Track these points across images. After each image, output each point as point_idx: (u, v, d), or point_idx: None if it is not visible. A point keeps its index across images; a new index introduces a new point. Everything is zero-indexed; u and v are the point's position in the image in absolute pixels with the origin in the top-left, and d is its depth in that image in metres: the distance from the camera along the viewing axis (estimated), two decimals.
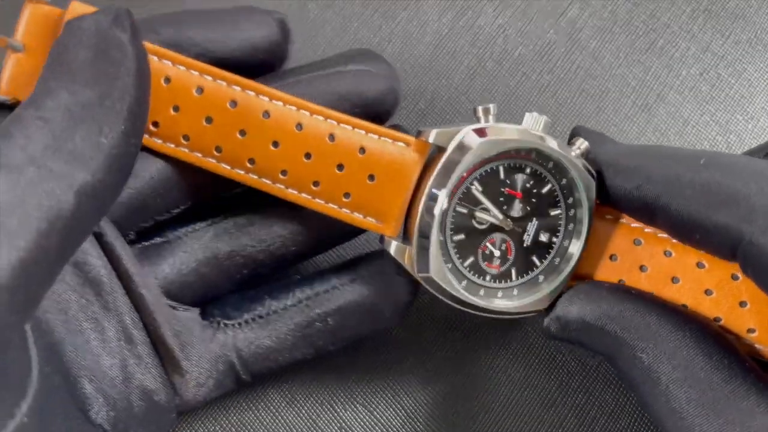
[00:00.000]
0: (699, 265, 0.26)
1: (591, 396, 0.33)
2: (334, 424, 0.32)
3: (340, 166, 0.27)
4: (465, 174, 0.27)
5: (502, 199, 0.27)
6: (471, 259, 0.28)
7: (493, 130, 0.26)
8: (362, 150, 0.27)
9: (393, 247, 0.27)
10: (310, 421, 0.32)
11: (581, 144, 0.27)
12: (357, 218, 0.28)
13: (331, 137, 0.27)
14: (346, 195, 0.27)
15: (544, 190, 0.28)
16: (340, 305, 0.28)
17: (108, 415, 0.25)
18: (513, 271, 0.28)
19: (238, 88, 0.27)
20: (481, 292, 0.28)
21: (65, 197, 0.21)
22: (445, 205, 0.26)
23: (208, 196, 0.29)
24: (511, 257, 0.28)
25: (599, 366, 0.33)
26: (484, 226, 0.28)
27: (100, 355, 0.25)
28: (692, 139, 0.36)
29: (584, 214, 0.27)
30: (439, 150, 0.27)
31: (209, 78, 0.27)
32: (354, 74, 0.29)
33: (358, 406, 0.32)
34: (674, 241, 0.27)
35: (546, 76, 0.37)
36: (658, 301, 0.25)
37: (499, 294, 0.28)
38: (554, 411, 0.32)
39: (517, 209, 0.28)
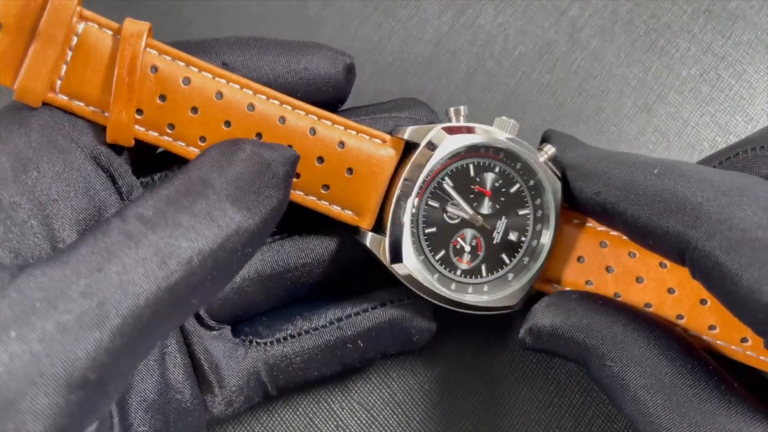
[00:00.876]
0: (662, 265, 0.28)
1: (588, 396, 0.32)
2: (330, 423, 0.32)
3: (320, 159, 0.28)
4: (436, 169, 0.28)
5: (472, 195, 0.29)
6: (442, 253, 0.29)
7: (462, 129, 0.28)
8: (341, 144, 0.28)
9: (368, 239, 0.29)
10: (307, 419, 0.32)
11: (549, 149, 0.29)
12: (335, 210, 0.29)
13: (312, 131, 0.28)
14: (325, 187, 0.28)
15: (513, 190, 0.29)
16: (371, 327, 0.29)
17: None
18: (483, 268, 0.30)
19: (223, 81, 0.27)
20: (453, 286, 0.29)
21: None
22: (416, 199, 0.28)
23: None
24: (481, 253, 0.29)
25: None
26: (455, 221, 0.29)
27: (144, 377, 0.25)
28: (692, 140, 0.36)
29: (551, 215, 0.29)
30: (414, 147, 0.28)
31: (195, 70, 0.27)
32: (406, 120, 0.30)
33: (354, 404, 0.32)
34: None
35: (546, 75, 0.37)
36: (624, 309, 0.26)
37: (470, 289, 0.29)
38: (551, 411, 0.32)
39: (486, 206, 0.29)
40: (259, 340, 0.29)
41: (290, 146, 0.27)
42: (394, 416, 0.32)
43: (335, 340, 0.29)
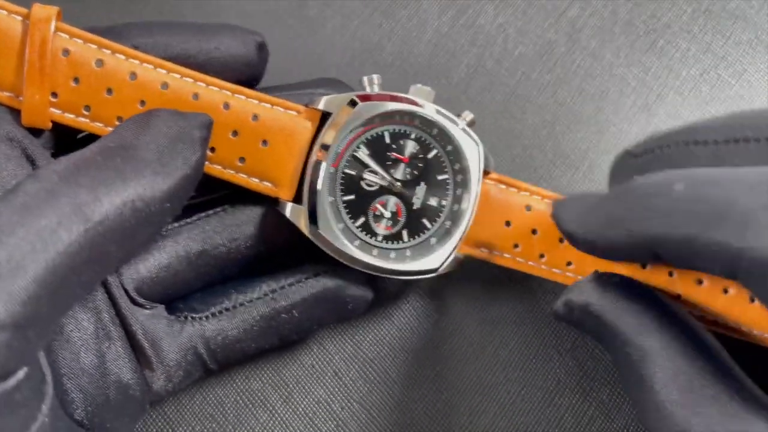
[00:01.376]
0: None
1: (588, 395, 0.32)
2: (330, 422, 0.32)
3: (235, 132, 0.28)
4: (351, 138, 0.29)
5: (389, 162, 0.30)
6: (362, 220, 0.30)
7: (376, 97, 0.29)
8: (255, 117, 0.29)
9: (288, 210, 0.29)
10: (307, 418, 0.32)
11: (467, 116, 0.29)
12: (253, 183, 0.29)
13: (226, 105, 0.28)
14: (241, 160, 0.29)
15: (430, 155, 0.30)
16: (305, 297, 0.30)
17: (86, 410, 0.25)
18: (404, 233, 0.30)
19: (136, 62, 0.27)
20: (374, 252, 0.30)
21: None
22: (332, 167, 0.29)
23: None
24: (401, 219, 0.30)
25: (597, 366, 0.33)
26: (373, 188, 0.30)
27: (78, 352, 0.26)
28: None
29: (470, 180, 0.29)
30: (329, 117, 0.29)
31: (108, 52, 0.27)
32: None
33: (354, 404, 0.32)
34: None
35: (546, 75, 0.37)
36: (658, 302, 0.26)
37: (392, 255, 0.30)
38: (552, 410, 0.32)
39: (404, 173, 0.30)
40: (194, 315, 0.29)
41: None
42: (394, 416, 0.32)
43: (270, 312, 0.29)
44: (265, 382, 0.33)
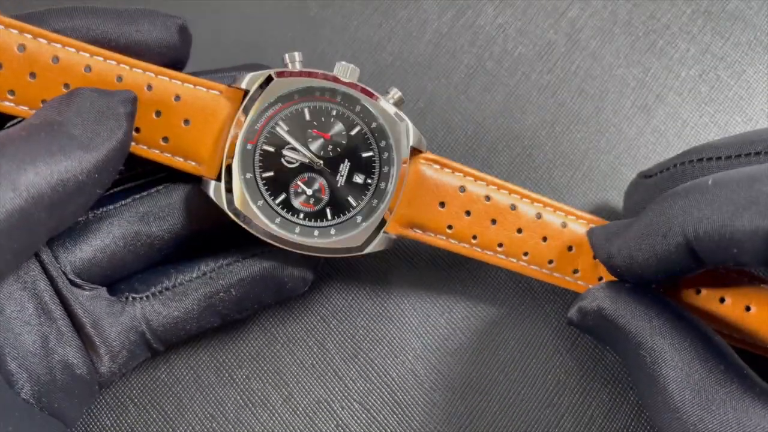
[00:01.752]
0: (512, 207, 0.30)
1: (588, 396, 0.33)
2: (330, 422, 0.32)
3: (158, 113, 0.29)
4: (269, 114, 0.29)
5: (310, 139, 0.29)
6: (282, 197, 0.29)
7: (293, 73, 0.29)
8: (177, 97, 0.29)
9: (211, 188, 0.29)
10: (307, 418, 0.32)
11: (395, 94, 0.30)
12: (177, 161, 0.29)
13: (149, 87, 0.29)
14: (165, 139, 0.29)
15: (353, 132, 0.29)
16: (242, 277, 0.30)
17: (32, 389, 0.26)
18: (328, 211, 0.30)
19: (59, 45, 0.28)
20: (297, 230, 0.29)
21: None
22: (250, 143, 0.29)
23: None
24: (325, 197, 0.30)
25: (596, 366, 0.33)
26: (293, 165, 0.29)
27: (20, 332, 0.26)
28: (691, 140, 0.36)
29: (395, 156, 0.29)
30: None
31: (29, 36, 0.27)
32: None
33: (354, 404, 0.32)
34: (490, 186, 0.30)
35: (546, 75, 0.37)
36: (669, 306, 0.27)
37: (316, 233, 0.30)
38: (551, 410, 0.32)
39: (325, 149, 0.29)
40: (135, 295, 0.29)
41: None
42: (394, 416, 0.32)
43: (208, 291, 0.30)
44: (266, 382, 0.33)
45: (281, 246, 0.29)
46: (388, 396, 0.32)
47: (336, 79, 0.29)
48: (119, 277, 0.30)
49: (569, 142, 0.36)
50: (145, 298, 0.29)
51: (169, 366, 0.33)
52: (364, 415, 0.32)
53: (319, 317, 0.33)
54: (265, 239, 0.29)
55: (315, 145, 0.29)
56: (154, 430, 0.32)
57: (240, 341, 0.33)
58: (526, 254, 0.31)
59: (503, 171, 0.36)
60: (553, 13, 0.38)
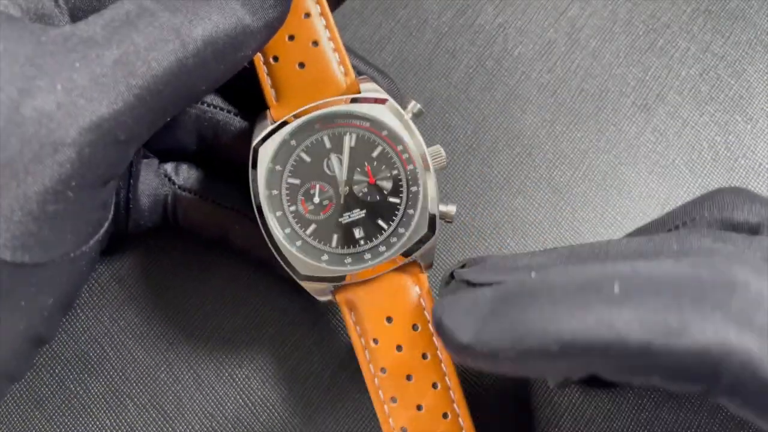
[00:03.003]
0: (434, 385, 0.28)
1: (588, 396, 0.32)
2: (330, 421, 0.32)
3: (291, 37, 0.28)
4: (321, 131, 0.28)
5: (359, 169, 0.29)
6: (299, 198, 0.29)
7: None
8: (315, 43, 0.29)
9: (267, 124, 0.28)
10: (306, 417, 0.32)
11: (414, 107, 0.29)
12: (267, 86, 0.29)
13: (306, 15, 0.28)
14: (275, 58, 0.29)
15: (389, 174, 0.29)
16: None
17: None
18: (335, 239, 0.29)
19: None
20: (324, 257, 0.29)
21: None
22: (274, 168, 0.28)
23: None
24: (324, 215, 0.29)
25: None
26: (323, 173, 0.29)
27: None
28: (691, 140, 0.36)
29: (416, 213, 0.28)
30: (356, 101, 0.28)
31: None
32: None
33: (352, 404, 0.32)
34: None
35: (546, 75, 0.37)
36: None
37: (348, 259, 0.29)
38: (551, 410, 0.32)
39: (360, 186, 0.29)
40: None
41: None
42: None
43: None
44: (265, 381, 0.33)
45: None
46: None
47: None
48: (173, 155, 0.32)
49: (569, 142, 0.36)
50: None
51: (168, 365, 0.33)
52: (364, 415, 0.32)
53: (314, 321, 0.34)
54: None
55: (357, 177, 0.29)
56: (154, 429, 0.32)
57: (240, 341, 0.33)
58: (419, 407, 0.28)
59: (503, 170, 0.36)
60: (553, 12, 0.38)
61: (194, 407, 0.32)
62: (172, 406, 0.32)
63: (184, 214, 0.31)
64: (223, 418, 0.32)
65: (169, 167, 0.31)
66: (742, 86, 0.37)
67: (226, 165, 0.32)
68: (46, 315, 0.25)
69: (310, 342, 0.33)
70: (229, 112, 0.31)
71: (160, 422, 0.32)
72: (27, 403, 0.32)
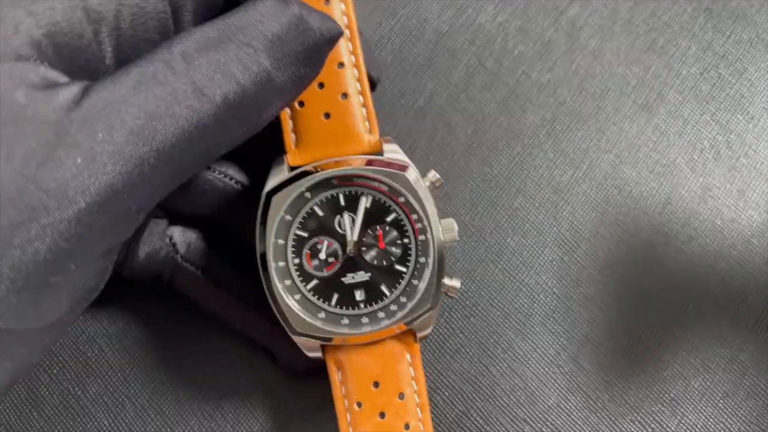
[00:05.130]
0: (406, 426, 0.28)
1: (588, 396, 0.32)
2: (330, 423, 0.32)
3: (321, 85, 0.28)
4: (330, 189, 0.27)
5: (371, 233, 0.28)
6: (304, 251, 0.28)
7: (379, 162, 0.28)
8: (344, 95, 0.28)
9: (284, 169, 0.28)
10: (306, 417, 0.32)
11: (433, 176, 0.28)
12: (289, 131, 0.28)
13: (340, 65, 0.28)
14: (300, 103, 0.28)
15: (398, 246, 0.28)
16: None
17: None
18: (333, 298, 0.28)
19: None
20: (321, 314, 0.28)
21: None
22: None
23: None
24: (329, 273, 0.28)
25: (596, 368, 0.33)
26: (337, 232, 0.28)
27: None
28: (692, 139, 0.36)
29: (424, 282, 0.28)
30: (377, 157, 0.28)
31: None
32: None
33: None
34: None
35: (546, 74, 0.37)
36: None
37: (345, 320, 0.28)
38: (551, 410, 0.32)
39: (369, 250, 0.28)
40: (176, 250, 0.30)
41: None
42: None
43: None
44: (264, 382, 0.33)
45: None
46: None
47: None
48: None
49: (570, 141, 0.36)
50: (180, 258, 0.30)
51: (167, 366, 0.33)
52: None
53: None
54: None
55: (367, 240, 0.28)
56: (153, 430, 0.32)
57: (240, 341, 0.33)
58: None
59: (503, 170, 0.35)
60: (553, 11, 0.38)
61: (193, 408, 0.32)
62: (171, 407, 0.32)
63: (181, 285, 0.30)
64: (223, 418, 0.32)
65: (176, 233, 0.30)
66: (744, 85, 0.37)
67: (233, 238, 0.31)
68: (26, 366, 0.24)
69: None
70: (243, 186, 0.30)
71: (158, 423, 0.32)
72: (25, 404, 0.32)
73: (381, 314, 0.28)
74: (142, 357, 0.33)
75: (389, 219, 0.28)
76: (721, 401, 0.32)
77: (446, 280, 0.28)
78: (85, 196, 0.20)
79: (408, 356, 0.29)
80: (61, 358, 0.32)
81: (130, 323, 0.33)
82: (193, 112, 0.22)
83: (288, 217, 0.27)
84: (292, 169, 0.28)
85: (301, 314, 0.28)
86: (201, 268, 0.30)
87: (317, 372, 0.30)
